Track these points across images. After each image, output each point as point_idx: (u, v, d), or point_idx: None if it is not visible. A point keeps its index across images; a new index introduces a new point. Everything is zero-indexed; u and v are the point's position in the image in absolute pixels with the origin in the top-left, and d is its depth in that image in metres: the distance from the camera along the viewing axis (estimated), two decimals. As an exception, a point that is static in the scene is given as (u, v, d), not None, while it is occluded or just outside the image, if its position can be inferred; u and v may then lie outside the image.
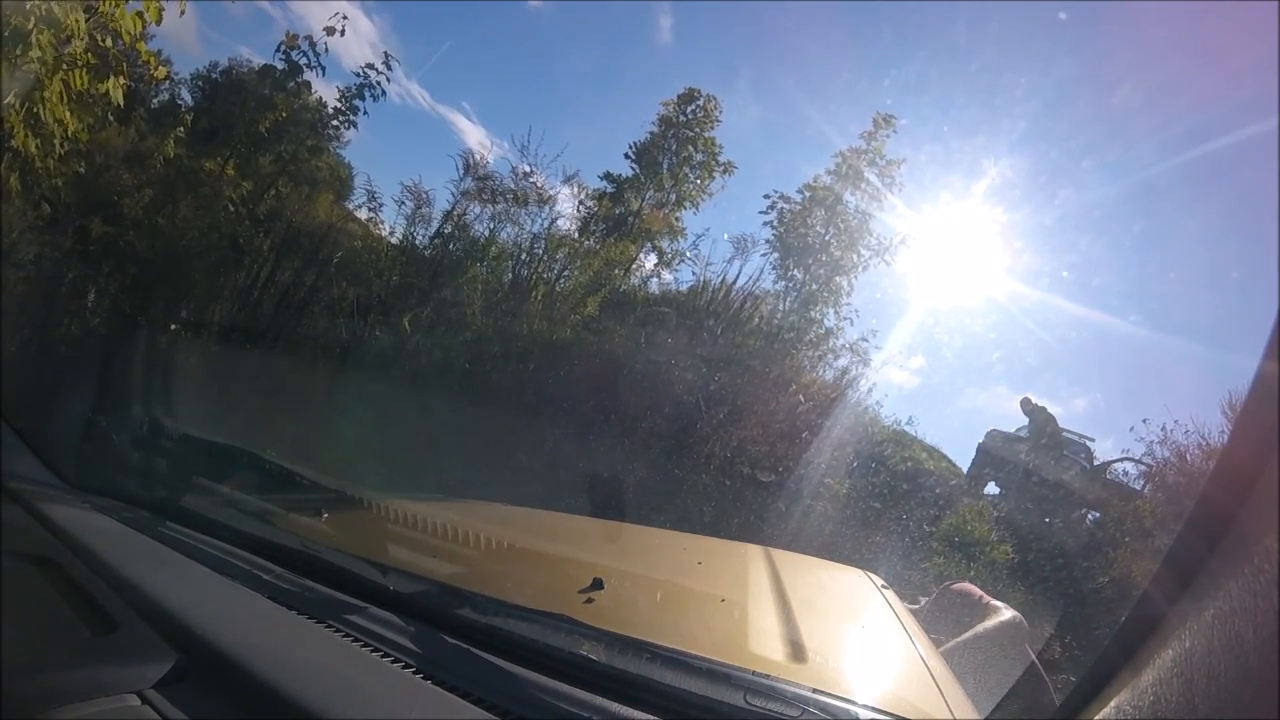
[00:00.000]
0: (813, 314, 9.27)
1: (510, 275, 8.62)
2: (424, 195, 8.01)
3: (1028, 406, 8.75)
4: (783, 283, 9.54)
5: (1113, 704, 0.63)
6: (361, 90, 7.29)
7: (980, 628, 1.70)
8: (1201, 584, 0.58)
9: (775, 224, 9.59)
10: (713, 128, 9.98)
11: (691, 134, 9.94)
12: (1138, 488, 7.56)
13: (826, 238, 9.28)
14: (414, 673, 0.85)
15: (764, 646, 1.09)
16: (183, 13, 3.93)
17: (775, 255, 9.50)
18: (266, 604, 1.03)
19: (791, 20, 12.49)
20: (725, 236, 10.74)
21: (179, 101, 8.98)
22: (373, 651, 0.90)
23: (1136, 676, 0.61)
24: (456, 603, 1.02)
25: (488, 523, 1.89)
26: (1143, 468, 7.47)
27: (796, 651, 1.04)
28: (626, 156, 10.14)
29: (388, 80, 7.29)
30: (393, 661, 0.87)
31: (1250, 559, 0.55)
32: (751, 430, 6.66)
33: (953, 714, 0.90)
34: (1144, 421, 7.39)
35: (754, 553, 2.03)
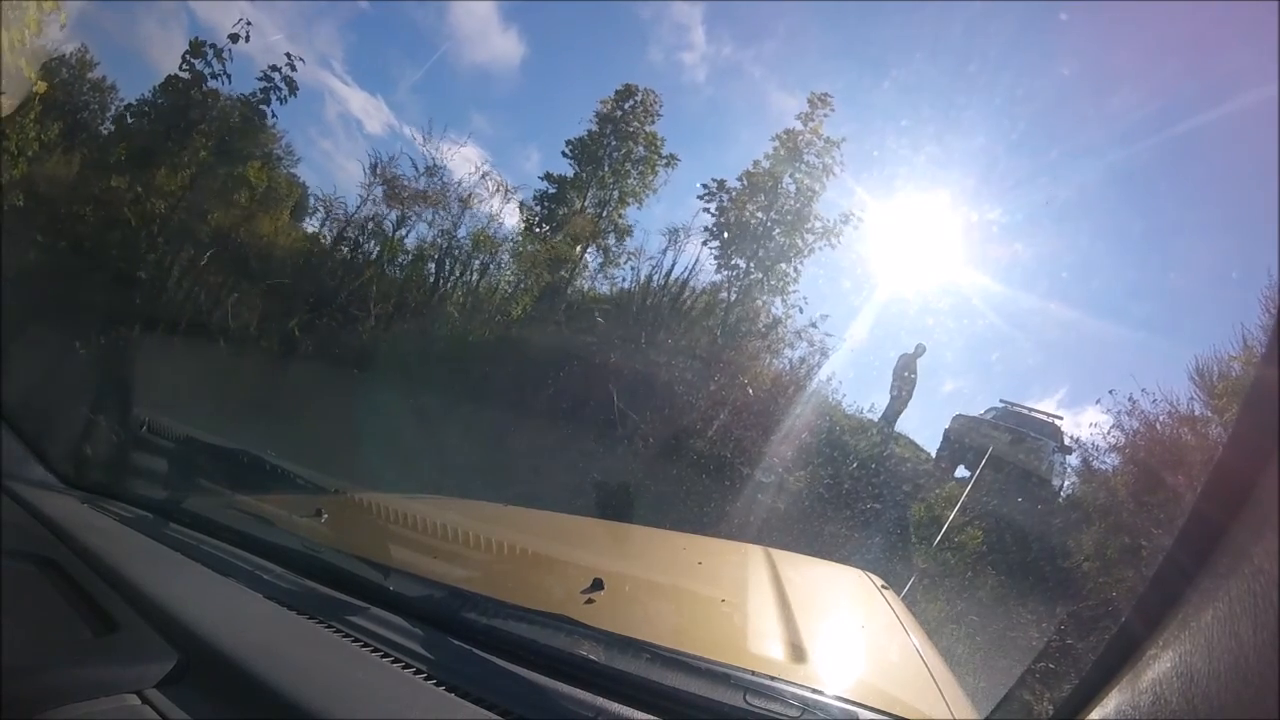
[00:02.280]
0: (759, 302, 9.14)
1: (431, 276, 8.51)
2: (333, 202, 8.04)
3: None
4: (725, 272, 9.36)
5: (1112, 704, 0.63)
6: (267, 94, 7.19)
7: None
8: (1201, 584, 0.58)
9: (713, 212, 9.44)
10: (653, 122, 9.93)
11: (632, 129, 9.84)
12: (1107, 462, 7.32)
13: (768, 223, 9.12)
14: (414, 673, 0.85)
15: (764, 647, 1.09)
16: (63, 26, 3.90)
17: (716, 244, 9.31)
18: (266, 604, 1.03)
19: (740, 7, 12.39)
20: (660, 230, 10.43)
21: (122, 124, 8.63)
22: (372, 652, 0.90)
23: (1136, 676, 0.61)
24: (456, 603, 1.02)
25: (487, 523, 1.88)
26: (1111, 440, 7.20)
27: (796, 652, 1.04)
28: (564, 155, 10.03)
29: (294, 82, 7.22)
30: (392, 662, 0.87)
31: (1250, 558, 0.55)
32: (692, 422, 6.55)
33: (953, 714, 0.90)
34: (1110, 393, 7.12)
35: (754, 553, 2.03)
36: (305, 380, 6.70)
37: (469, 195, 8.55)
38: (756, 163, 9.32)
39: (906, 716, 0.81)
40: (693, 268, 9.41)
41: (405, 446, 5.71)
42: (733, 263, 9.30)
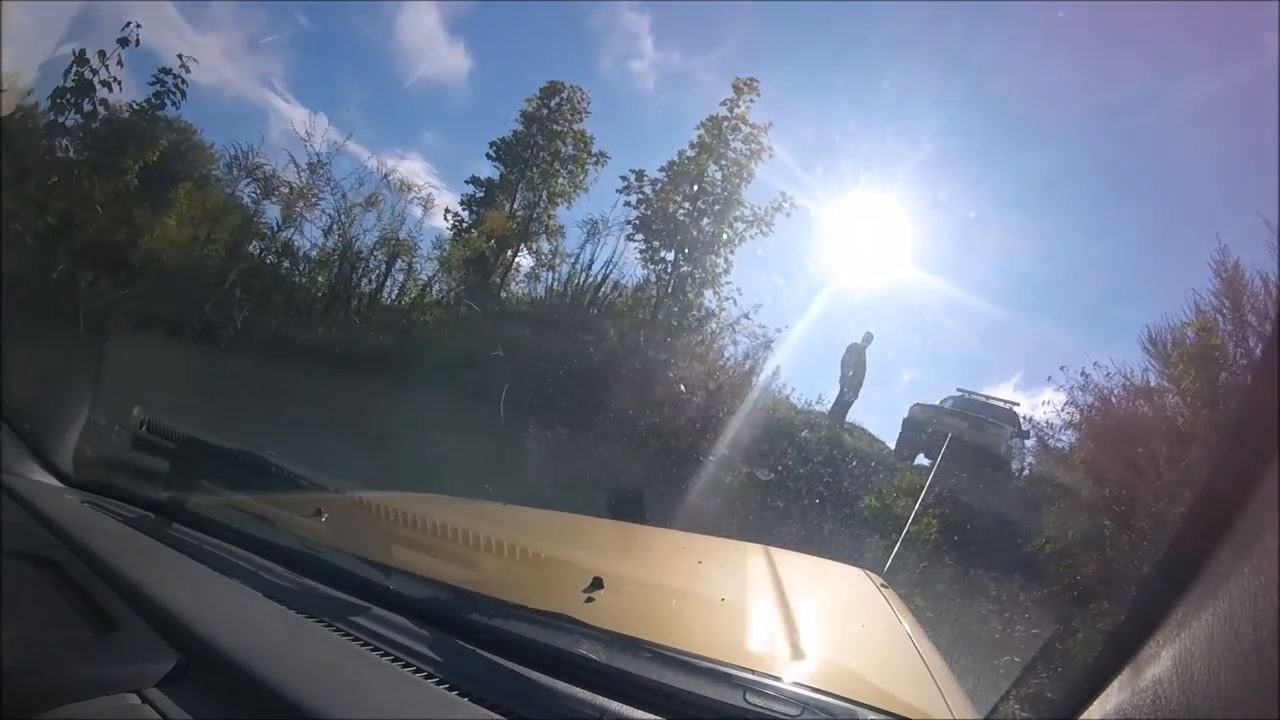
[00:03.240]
0: (689, 296, 8.85)
1: (334, 282, 8.25)
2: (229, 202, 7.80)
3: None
4: (651, 267, 9.05)
5: (1112, 703, 0.63)
6: (161, 97, 7.04)
7: None
8: (1200, 582, 0.58)
9: (634, 205, 9.12)
10: (582, 120, 9.59)
11: (559, 128, 9.52)
12: (1064, 440, 7.21)
13: (694, 213, 8.84)
14: (414, 672, 0.85)
15: (764, 646, 1.09)
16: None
17: (640, 238, 9.00)
18: (266, 603, 1.03)
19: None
20: (578, 225, 9.86)
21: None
22: (372, 651, 0.90)
23: (1135, 676, 0.61)
24: (456, 602, 1.02)
25: (487, 522, 1.88)
26: (1066, 417, 7.08)
27: (796, 651, 1.04)
28: (489, 157, 9.65)
29: (185, 83, 7.07)
30: (392, 661, 0.87)
31: (1249, 557, 0.55)
32: (616, 425, 6.35)
33: (953, 714, 0.90)
34: (1061, 369, 6.98)
35: (754, 552, 2.03)
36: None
37: (374, 196, 8.31)
38: (681, 152, 8.96)
39: (906, 715, 0.81)
40: (611, 261, 9.14)
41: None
42: (659, 256, 8.98)
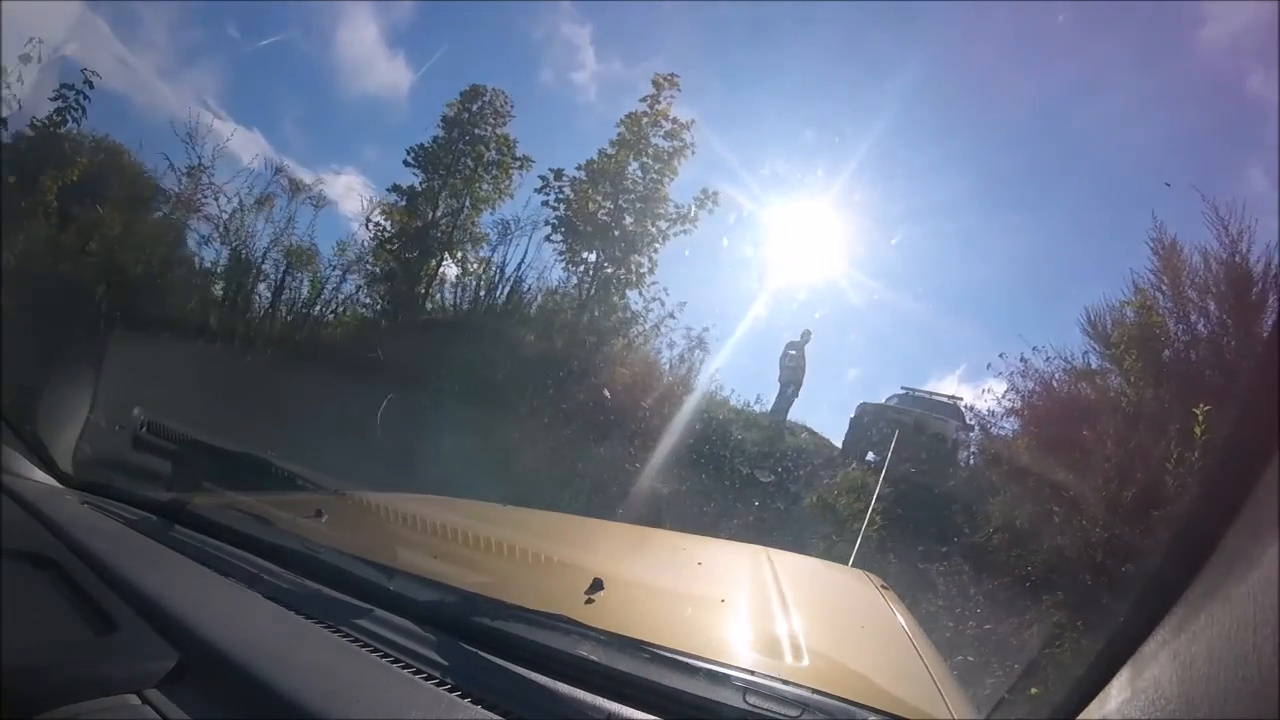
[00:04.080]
0: (613, 298, 8.65)
1: (228, 292, 7.90)
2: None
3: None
4: (572, 269, 8.83)
5: (1112, 703, 0.63)
6: (63, 114, 6.88)
7: None
8: (1200, 581, 0.59)
9: (553, 205, 8.90)
10: (505, 123, 9.35)
11: (482, 132, 9.27)
12: (1007, 426, 7.19)
13: (616, 211, 8.60)
14: (413, 673, 0.85)
15: (764, 647, 1.09)
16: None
17: (559, 239, 8.78)
18: (266, 604, 1.03)
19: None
20: (516, 235, 9.56)
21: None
22: (372, 652, 0.90)
23: (1135, 674, 0.61)
24: (456, 603, 1.02)
25: (487, 523, 1.88)
26: (1008, 404, 7.06)
27: (796, 652, 1.04)
28: (406, 164, 9.21)
29: (87, 99, 6.90)
30: (392, 662, 0.87)
31: (1249, 556, 0.55)
32: (535, 434, 6.07)
33: (953, 714, 0.90)
34: (1001, 356, 6.94)
35: (754, 553, 2.03)
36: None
37: (267, 197, 7.92)
38: (602, 151, 8.76)
39: (906, 716, 0.81)
40: (524, 264, 8.93)
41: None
42: (581, 257, 8.75)
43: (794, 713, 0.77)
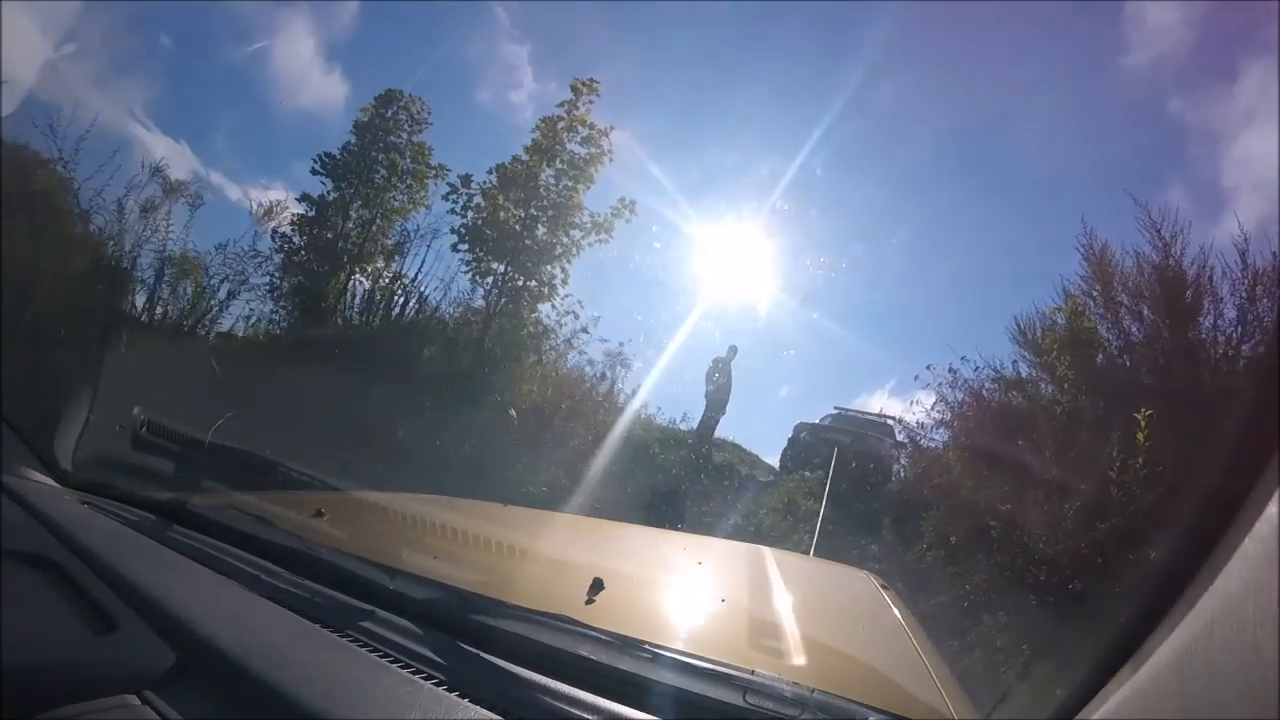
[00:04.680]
0: (524, 311, 8.29)
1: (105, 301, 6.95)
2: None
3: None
4: (480, 280, 8.40)
5: (1111, 703, 0.63)
6: None
7: None
8: (1199, 583, 0.58)
9: (460, 212, 8.50)
10: (421, 131, 8.89)
11: (398, 140, 8.84)
12: (937, 439, 7.07)
13: (527, 220, 8.25)
14: (413, 673, 0.85)
15: (764, 646, 1.09)
16: None
17: (465, 248, 8.35)
18: (266, 604, 1.03)
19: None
20: (405, 239, 8.97)
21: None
22: (371, 652, 0.90)
23: (1135, 675, 0.61)
24: (456, 603, 1.02)
25: (487, 523, 1.89)
26: (937, 416, 6.96)
27: (797, 651, 1.04)
28: (314, 172, 8.60)
29: None
30: (392, 662, 0.87)
31: (1249, 558, 0.55)
32: (437, 455, 5.72)
33: (953, 714, 0.90)
34: (928, 368, 6.79)
35: (754, 553, 2.03)
36: None
37: (150, 202, 7.11)
38: (515, 157, 8.41)
39: (907, 716, 0.81)
40: (418, 276, 8.44)
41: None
42: (489, 267, 8.33)
43: (794, 712, 0.77)
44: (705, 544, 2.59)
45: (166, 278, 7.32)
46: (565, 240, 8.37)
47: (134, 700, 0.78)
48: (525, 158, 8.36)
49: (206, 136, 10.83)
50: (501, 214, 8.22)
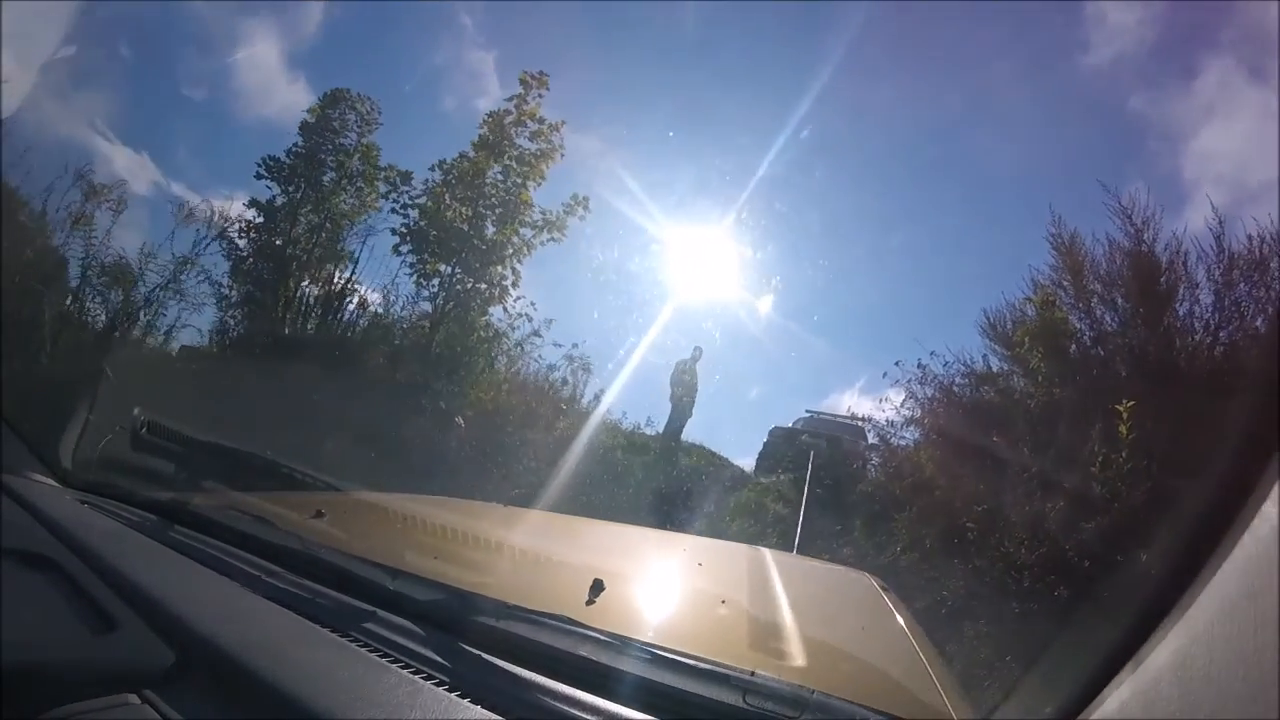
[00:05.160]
0: (472, 315, 7.96)
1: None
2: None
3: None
4: (425, 283, 8.02)
5: (1112, 703, 0.63)
6: None
7: None
8: (1200, 584, 0.58)
9: (401, 210, 8.14)
10: (372, 131, 8.54)
11: (347, 141, 8.50)
12: (907, 437, 6.99)
13: (474, 219, 7.93)
14: (414, 673, 0.85)
15: (764, 647, 1.09)
16: None
17: (408, 249, 7.99)
18: (265, 604, 1.03)
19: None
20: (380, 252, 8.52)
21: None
22: (372, 652, 0.90)
23: (1135, 675, 0.61)
24: (456, 604, 1.02)
25: (488, 523, 1.89)
26: (908, 413, 6.86)
27: (797, 652, 1.04)
28: (259, 176, 8.23)
29: None
30: (392, 662, 0.87)
31: (1250, 558, 0.55)
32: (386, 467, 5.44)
33: (953, 715, 0.90)
34: (897, 364, 6.67)
35: (755, 554, 2.03)
36: None
37: (81, 216, 6.78)
38: (462, 153, 8.07)
39: (907, 716, 0.81)
40: (352, 278, 8.13)
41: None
42: (436, 269, 7.98)
43: (794, 713, 0.77)
44: (705, 545, 2.59)
45: (98, 285, 7.03)
46: (516, 240, 8.05)
47: (134, 700, 0.78)
48: (471, 154, 8.05)
49: (165, 145, 10.44)
50: (448, 213, 7.90)
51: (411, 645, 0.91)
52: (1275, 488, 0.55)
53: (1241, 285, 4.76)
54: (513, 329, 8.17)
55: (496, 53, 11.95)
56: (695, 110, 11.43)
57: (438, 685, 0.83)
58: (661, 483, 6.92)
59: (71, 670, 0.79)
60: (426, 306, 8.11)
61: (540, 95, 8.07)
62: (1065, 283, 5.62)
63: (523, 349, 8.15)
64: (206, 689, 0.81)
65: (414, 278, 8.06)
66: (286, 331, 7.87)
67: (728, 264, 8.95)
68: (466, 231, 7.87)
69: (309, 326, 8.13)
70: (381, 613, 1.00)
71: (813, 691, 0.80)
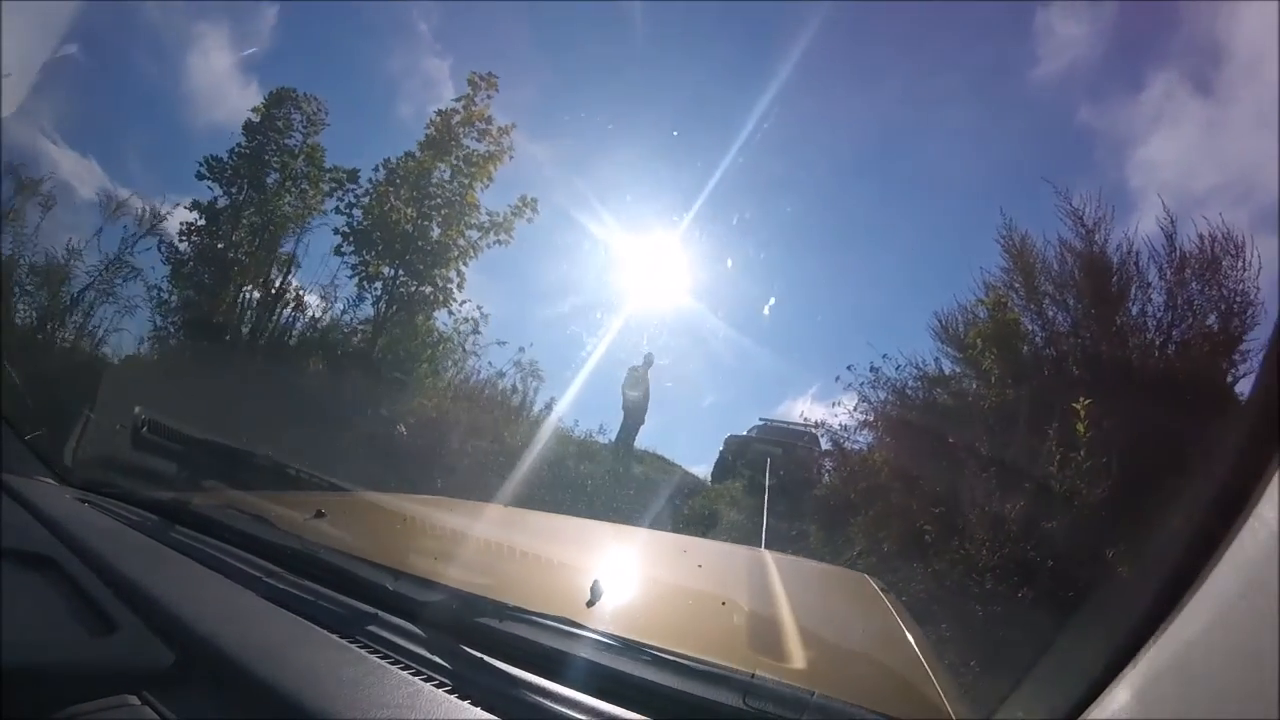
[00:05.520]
0: (416, 319, 7.81)
1: None
2: None
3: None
4: (366, 286, 7.82)
5: (1112, 704, 0.63)
6: None
7: None
8: (1200, 584, 0.59)
9: (346, 210, 7.96)
10: (318, 132, 8.32)
11: (292, 142, 8.26)
12: (861, 441, 6.94)
13: (419, 220, 7.77)
14: (414, 674, 0.85)
15: (764, 649, 1.08)
16: None
17: (350, 250, 7.81)
18: (266, 605, 1.03)
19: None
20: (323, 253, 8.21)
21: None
22: (372, 653, 0.90)
23: (1135, 676, 0.61)
24: (457, 605, 1.02)
25: (488, 524, 1.89)
26: (860, 417, 6.81)
27: (796, 654, 1.04)
28: (200, 176, 7.93)
29: None
30: (392, 663, 0.87)
31: (1249, 558, 0.55)
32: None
33: (953, 716, 0.90)
34: (849, 368, 6.61)
35: (755, 556, 2.04)
36: None
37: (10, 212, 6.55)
38: (408, 152, 7.93)
39: (907, 717, 0.81)
40: (287, 278, 7.82)
41: None
42: (379, 271, 7.80)
43: (794, 714, 0.77)
44: (705, 546, 2.59)
45: (27, 287, 6.82)
46: (462, 241, 7.90)
47: (134, 700, 0.78)
48: (418, 153, 7.91)
49: (110, 148, 9.92)
50: (392, 214, 7.71)
51: (412, 647, 0.91)
52: (1274, 489, 0.55)
53: (1194, 284, 4.79)
54: (458, 333, 8.06)
55: (452, 59, 11.99)
56: (649, 118, 11.34)
57: (438, 687, 0.83)
58: (613, 493, 6.83)
59: (71, 671, 0.79)
60: (369, 310, 7.98)
61: (489, 96, 8.00)
62: (1017, 284, 5.65)
63: (465, 351, 8.01)
64: (206, 690, 0.81)
65: (356, 280, 7.89)
66: (223, 337, 7.68)
67: (681, 271, 8.97)
68: (411, 232, 7.75)
69: (244, 331, 7.95)
70: (382, 614, 1.00)
71: (813, 693, 0.80)
